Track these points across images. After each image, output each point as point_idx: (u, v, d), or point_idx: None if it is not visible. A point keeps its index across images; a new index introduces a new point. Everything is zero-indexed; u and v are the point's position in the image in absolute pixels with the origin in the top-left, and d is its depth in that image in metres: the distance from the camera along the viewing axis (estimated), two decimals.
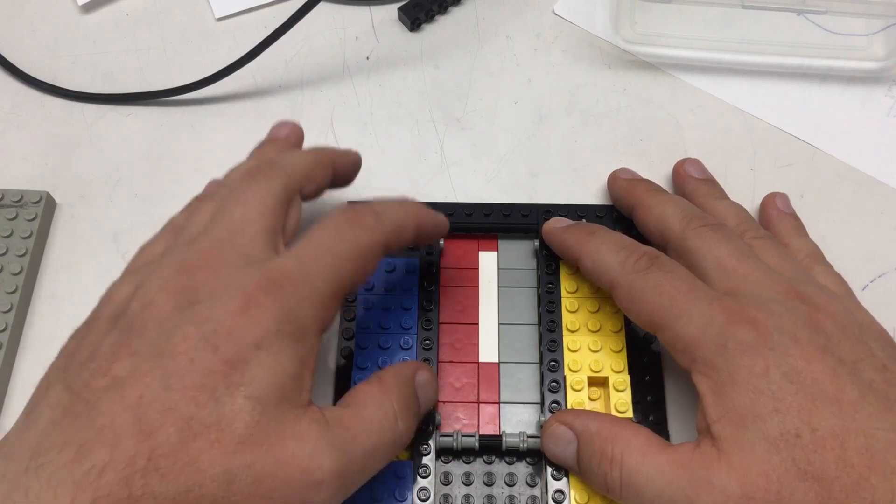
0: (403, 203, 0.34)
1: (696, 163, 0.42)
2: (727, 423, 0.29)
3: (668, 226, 0.36)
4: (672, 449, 0.30)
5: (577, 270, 0.39)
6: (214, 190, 0.34)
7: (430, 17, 0.49)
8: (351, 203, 0.42)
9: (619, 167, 0.42)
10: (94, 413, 0.25)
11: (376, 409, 0.30)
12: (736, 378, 0.29)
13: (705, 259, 0.34)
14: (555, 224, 0.39)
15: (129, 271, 0.31)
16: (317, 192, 0.35)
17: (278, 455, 0.26)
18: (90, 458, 0.25)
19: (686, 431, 0.36)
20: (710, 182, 0.41)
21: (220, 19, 0.50)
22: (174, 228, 0.33)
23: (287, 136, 0.38)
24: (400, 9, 0.48)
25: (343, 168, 0.37)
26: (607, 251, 0.35)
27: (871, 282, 0.40)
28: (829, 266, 0.37)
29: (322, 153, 0.36)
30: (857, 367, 0.29)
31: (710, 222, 0.35)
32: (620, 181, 0.41)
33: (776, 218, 0.40)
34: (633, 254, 0.34)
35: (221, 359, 0.26)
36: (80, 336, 0.29)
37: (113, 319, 0.29)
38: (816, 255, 0.37)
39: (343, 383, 0.37)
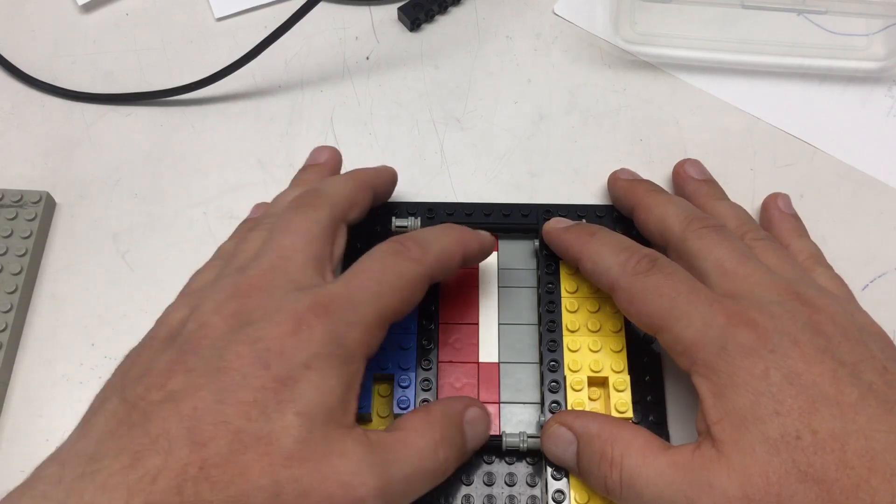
0: (449, 231, 0.35)
1: (696, 163, 0.42)
2: (727, 424, 0.29)
3: (669, 227, 0.36)
4: (672, 450, 0.30)
5: (578, 270, 0.39)
6: (260, 216, 0.35)
7: (430, 17, 0.49)
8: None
9: (618, 167, 0.42)
10: (149, 423, 0.26)
11: (418, 437, 0.30)
12: (736, 380, 0.29)
13: (705, 260, 0.34)
14: (555, 224, 0.39)
15: (183, 295, 0.32)
16: (360, 217, 0.36)
17: (324, 470, 0.27)
18: (144, 464, 0.25)
19: (686, 432, 0.36)
20: (710, 183, 0.41)
21: (219, 19, 0.50)
22: (224, 255, 0.35)
23: (326, 161, 0.40)
24: (400, 9, 0.48)
25: (383, 187, 0.38)
26: (608, 253, 0.35)
27: (871, 282, 0.40)
28: (829, 268, 0.37)
29: (362, 178, 0.37)
30: (857, 369, 0.29)
31: (711, 223, 0.35)
32: (621, 181, 0.41)
33: (777, 218, 0.40)
34: (634, 256, 0.34)
35: (272, 376, 0.27)
36: (135, 355, 0.30)
37: (168, 340, 0.30)
38: (817, 256, 0.37)
39: None
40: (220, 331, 0.29)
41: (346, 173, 0.38)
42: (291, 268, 0.31)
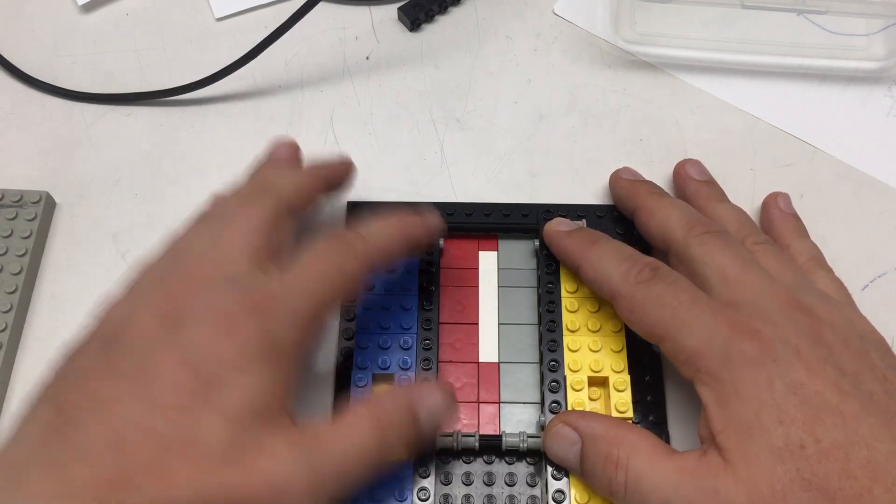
0: (394, 222, 0.35)
1: (696, 164, 0.42)
2: (732, 433, 0.29)
3: (671, 231, 0.36)
4: (678, 456, 0.30)
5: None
6: (210, 209, 0.35)
7: (430, 17, 0.49)
8: (351, 203, 0.42)
9: (618, 167, 0.42)
10: (76, 432, 0.26)
11: (359, 427, 0.30)
12: (740, 390, 0.30)
13: (707, 267, 0.34)
14: (556, 227, 0.39)
15: (127, 289, 0.32)
16: (311, 209, 0.36)
17: (251, 473, 0.27)
18: (68, 476, 0.25)
19: (686, 432, 0.36)
20: (711, 184, 0.41)
21: (219, 19, 0.50)
22: (171, 248, 0.34)
23: (285, 157, 0.39)
24: (400, 9, 0.48)
25: (336, 179, 0.38)
26: (609, 262, 0.35)
27: (871, 282, 0.40)
28: (829, 270, 0.37)
29: (313, 170, 0.37)
30: (857, 379, 0.30)
31: (713, 229, 0.35)
32: (622, 182, 0.41)
33: (778, 219, 0.40)
34: (636, 265, 0.34)
35: (201, 380, 0.27)
36: (72, 355, 0.30)
37: (103, 340, 0.29)
38: (817, 258, 0.37)
39: (343, 383, 0.37)
40: (152, 332, 0.29)
41: (298, 166, 0.38)
42: (228, 262, 0.30)
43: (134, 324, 0.29)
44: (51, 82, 0.46)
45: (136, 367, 0.28)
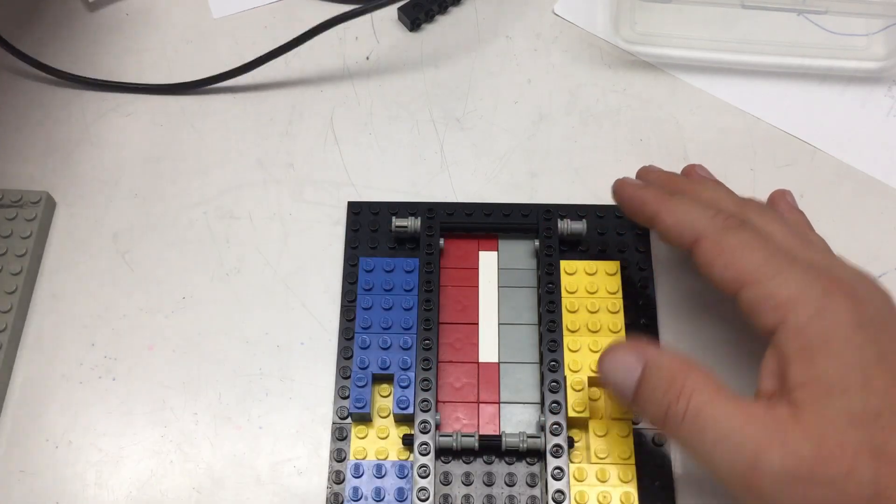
0: None
1: (703, 170, 0.41)
2: (813, 389, 0.29)
3: (699, 229, 0.34)
4: (745, 401, 0.30)
5: (577, 272, 0.39)
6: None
7: (430, 17, 0.49)
8: (351, 203, 0.42)
9: (618, 167, 0.42)
10: None
11: None
12: (830, 348, 0.29)
13: (772, 234, 0.33)
14: (628, 181, 0.38)
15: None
16: None
17: None
18: None
19: None
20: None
21: (218, 19, 0.50)
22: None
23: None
24: (400, 9, 0.48)
25: None
26: (693, 208, 0.34)
27: None
28: (843, 261, 0.36)
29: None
30: None
31: (734, 223, 0.34)
32: (628, 191, 0.38)
33: (787, 213, 0.39)
34: (722, 212, 0.34)
35: None
36: None
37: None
38: (829, 251, 0.37)
39: (343, 383, 0.37)
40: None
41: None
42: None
43: None
44: (51, 82, 0.46)
45: None
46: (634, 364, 0.32)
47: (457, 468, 0.35)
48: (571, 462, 0.35)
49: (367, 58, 0.48)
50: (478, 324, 0.39)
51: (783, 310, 0.30)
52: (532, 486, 0.35)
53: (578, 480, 0.35)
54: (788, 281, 0.31)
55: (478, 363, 0.38)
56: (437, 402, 0.36)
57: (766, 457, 0.28)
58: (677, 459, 0.36)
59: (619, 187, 0.38)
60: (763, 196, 0.42)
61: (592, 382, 0.36)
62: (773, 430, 0.28)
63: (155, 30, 0.49)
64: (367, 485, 0.35)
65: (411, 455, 0.35)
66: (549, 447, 0.35)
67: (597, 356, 0.37)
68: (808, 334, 0.29)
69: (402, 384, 0.36)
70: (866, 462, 0.27)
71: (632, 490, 0.34)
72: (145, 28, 0.49)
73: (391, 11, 0.49)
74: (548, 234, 0.39)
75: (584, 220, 0.40)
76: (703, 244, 0.33)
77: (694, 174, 0.41)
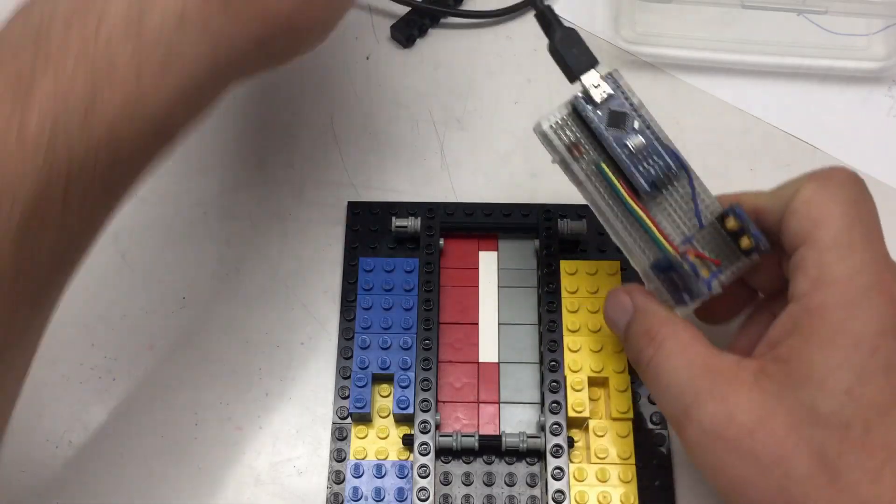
0: None
1: None
2: (792, 369, 0.27)
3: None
4: (712, 354, 0.29)
5: (577, 272, 0.39)
6: None
7: (423, 33, 0.48)
8: (351, 203, 0.42)
9: None
10: None
11: None
12: (837, 339, 0.27)
13: None
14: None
15: None
16: None
17: None
18: None
19: None
20: None
21: None
22: None
23: None
24: (393, 27, 0.48)
25: None
26: None
27: None
28: None
29: None
30: None
31: None
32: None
33: None
34: (841, 168, 0.32)
35: None
36: None
37: None
38: None
39: (342, 383, 0.37)
40: None
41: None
42: None
43: None
44: None
45: None
46: (629, 306, 0.33)
47: (457, 468, 0.35)
48: (571, 462, 0.35)
49: (368, 58, 0.48)
50: (478, 324, 0.39)
51: (826, 279, 0.28)
52: (532, 486, 0.35)
53: (578, 480, 0.35)
54: (852, 256, 0.28)
55: (478, 363, 0.38)
56: (437, 402, 0.36)
57: (700, 407, 0.28)
58: (677, 460, 0.36)
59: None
60: None
61: (592, 382, 0.36)
62: (723, 385, 0.28)
63: None
64: (367, 485, 0.35)
65: (411, 455, 0.35)
66: (549, 447, 0.35)
67: (597, 356, 0.37)
68: (826, 317, 0.28)
69: (402, 384, 0.36)
70: (804, 462, 0.26)
71: (632, 490, 0.34)
72: None
73: (391, 11, 0.49)
74: (548, 233, 0.39)
75: (585, 220, 0.40)
76: (804, 191, 0.30)
77: None
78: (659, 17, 0.48)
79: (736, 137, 0.45)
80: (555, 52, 0.33)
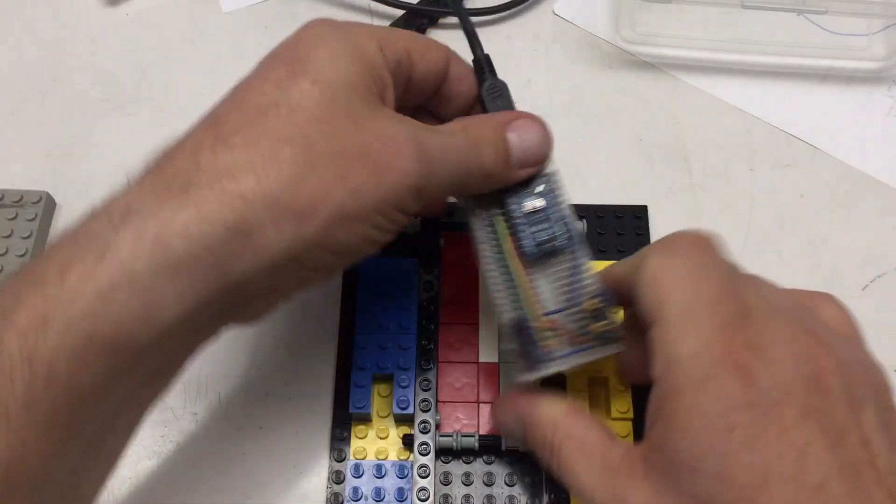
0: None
1: None
2: (665, 458, 0.26)
3: None
4: (606, 452, 0.29)
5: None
6: None
7: (421, 32, 0.48)
8: None
9: (618, 167, 0.42)
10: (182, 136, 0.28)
11: (452, 135, 0.30)
12: (693, 422, 0.26)
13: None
14: None
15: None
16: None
17: (358, 128, 0.27)
18: (166, 156, 0.27)
19: None
20: None
21: (228, 13, 0.49)
22: None
23: None
24: (391, 26, 0.48)
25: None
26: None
27: (871, 282, 0.40)
28: (834, 297, 0.31)
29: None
30: (839, 440, 0.25)
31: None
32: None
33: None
34: (683, 234, 0.30)
35: (281, 62, 0.28)
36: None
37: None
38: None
39: (342, 384, 0.37)
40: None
41: None
42: None
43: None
44: (51, 82, 0.46)
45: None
46: (518, 420, 0.32)
47: (457, 468, 0.35)
48: None
49: None
50: (478, 324, 0.39)
51: (672, 366, 0.27)
52: (532, 486, 0.35)
53: None
54: (689, 335, 0.27)
55: (478, 363, 0.38)
56: (437, 402, 0.36)
57: None
58: None
59: None
60: (762, 196, 0.42)
61: (592, 383, 0.36)
62: (621, 485, 0.27)
63: (155, 29, 0.49)
64: (367, 485, 0.35)
65: (411, 455, 0.35)
66: None
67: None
68: (681, 399, 0.26)
69: (401, 384, 0.36)
70: None
71: None
72: (145, 28, 0.49)
73: (391, 11, 0.49)
74: None
75: (584, 221, 0.40)
76: (643, 263, 0.29)
77: None
78: (659, 17, 0.48)
79: (736, 137, 0.45)
80: (480, 99, 0.34)
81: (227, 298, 0.26)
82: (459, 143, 0.30)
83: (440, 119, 0.34)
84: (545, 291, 0.32)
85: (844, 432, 0.25)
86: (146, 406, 0.28)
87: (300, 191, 0.26)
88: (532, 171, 0.32)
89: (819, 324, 0.28)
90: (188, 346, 0.28)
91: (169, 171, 0.26)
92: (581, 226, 0.40)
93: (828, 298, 0.30)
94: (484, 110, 0.33)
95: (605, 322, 0.31)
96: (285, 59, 0.28)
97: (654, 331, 0.28)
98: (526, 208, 0.32)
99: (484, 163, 0.30)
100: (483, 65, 0.34)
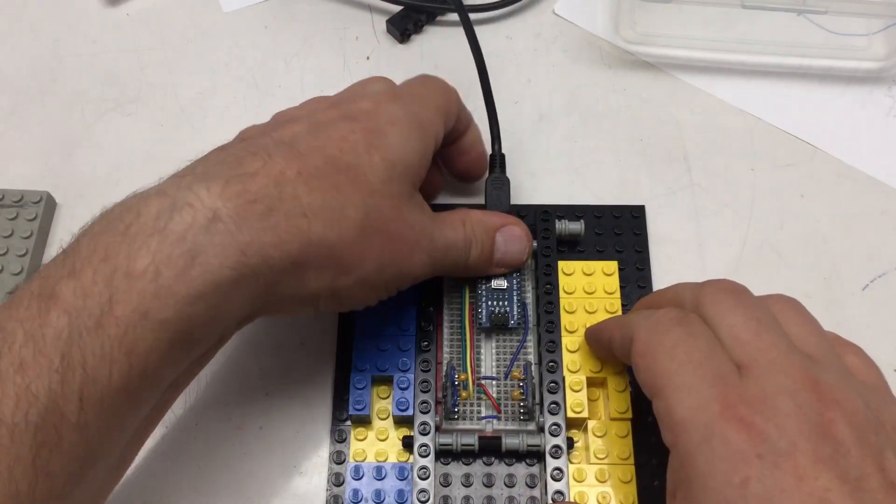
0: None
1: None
2: None
3: (681, 298, 0.33)
4: None
5: (574, 272, 0.39)
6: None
7: (418, 28, 0.48)
8: None
9: (618, 167, 0.42)
10: (252, 144, 0.30)
11: (451, 230, 0.35)
12: (709, 483, 0.26)
13: (719, 327, 0.30)
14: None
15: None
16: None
17: (401, 211, 0.32)
18: (243, 166, 0.29)
19: None
20: None
21: (228, 13, 0.50)
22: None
23: None
24: (388, 21, 0.48)
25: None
26: (637, 314, 0.33)
27: (871, 282, 0.40)
28: (859, 348, 0.31)
29: None
30: (860, 486, 0.25)
31: (726, 286, 0.32)
32: (604, 328, 0.36)
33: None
34: (663, 310, 0.31)
35: (361, 127, 0.32)
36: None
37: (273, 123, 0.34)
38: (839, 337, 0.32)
39: (342, 385, 0.37)
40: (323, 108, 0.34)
41: None
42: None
43: (309, 111, 0.34)
44: (51, 82, 0.46)
45: (305, 121, 0.33)
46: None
47: (456, 470, 0.35)
48: (571, 463, 0.35)
49: (368, 58, 0.48)
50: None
51: (676, 431, 0.28)
52: (532, 486, 0.35)
53: (578, 481, 0.35)
54: (685, 398, 0.28)
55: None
56: (436, 403, 0.36)
57: None
58: None
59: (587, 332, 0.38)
60: (762, 196, 0.42)
61: (591, 383, 0.36)
62: None
63: (155, 29, 0.49)
64: (367, 487, 0.35)
65: (411, 457, 0.35)
66: (548, 448, 0.35)
67: (595, 357, 0.37)
68: (692, 463, 0.27)
69: (401, 386, 0.36)
70: None
71: (631, 490, 0.35)
72: (145, 27, 0.49)
73: (391, 11, 0.49)
74: (545, 234, 0.39)
75: (582, 221, 0.40)
76: (634, 345, 0.31)
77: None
78: (659, 17, 0.48)
79: (736, 137, 0.45)
80: (485, 186, 0.40)
81: (262, 310, 0.31)
82: (458, 240, 0.35)
83: (441, 166, 0.41)
84: (495, 361, 0.37)
85: (863, 478, 0.25)
86: (179, 392, 0.32)
87: (349, 251, 0.30)
88: (507, 270, 0.37)
89: (831, 372, 0.28)
90: (228, 339, 0.32)
91: (252, 187, 0.28)
92: (579, 226, 0.40)
93: (853, 347, 0.31)
94: (485, 195, 0.40)
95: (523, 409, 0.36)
96: (365, 127, 0.32)
97: (656, 403, 0.29)
98: (489, 285, 0.37)
99: (471, 258, 0.36)
100: (497, 159, 0.41)
